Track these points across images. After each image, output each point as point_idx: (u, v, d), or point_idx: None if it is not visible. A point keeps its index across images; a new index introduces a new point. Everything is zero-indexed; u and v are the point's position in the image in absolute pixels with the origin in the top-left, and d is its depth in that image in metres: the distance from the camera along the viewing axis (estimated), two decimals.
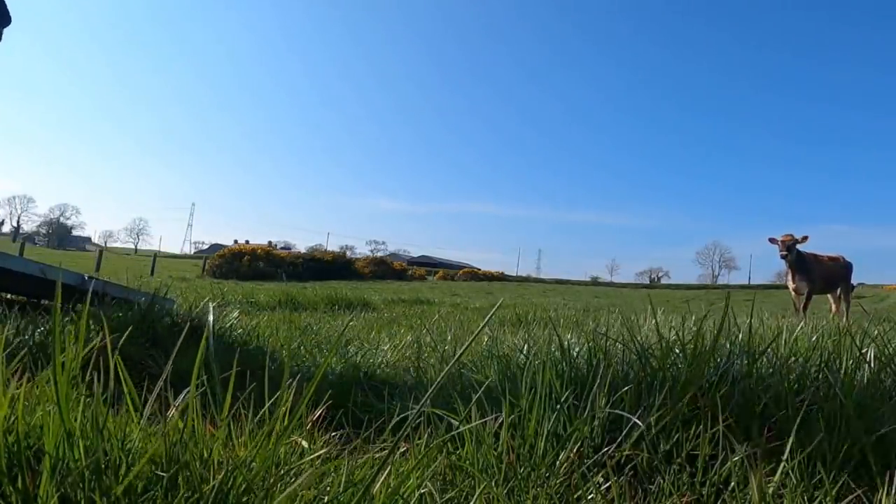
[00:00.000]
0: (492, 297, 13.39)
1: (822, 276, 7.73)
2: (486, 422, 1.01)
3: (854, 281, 8.72)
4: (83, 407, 0.72)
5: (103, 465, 0.69)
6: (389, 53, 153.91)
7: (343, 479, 0.78)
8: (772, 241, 7.46)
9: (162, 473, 0.70)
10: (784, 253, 7.41)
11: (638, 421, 0.99)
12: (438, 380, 0.69)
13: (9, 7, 2.04)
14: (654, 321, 1.61)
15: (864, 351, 1.31)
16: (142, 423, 0.77)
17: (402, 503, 0.79)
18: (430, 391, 0.69)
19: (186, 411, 0.75)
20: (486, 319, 0.72)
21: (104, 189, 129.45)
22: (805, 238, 7.44)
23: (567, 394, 1.09)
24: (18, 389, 0.75)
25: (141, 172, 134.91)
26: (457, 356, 0.74)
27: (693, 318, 2.21)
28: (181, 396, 0.80)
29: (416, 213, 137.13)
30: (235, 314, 2.68)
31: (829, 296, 8.41)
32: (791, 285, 7.63)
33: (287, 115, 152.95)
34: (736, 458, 0.91)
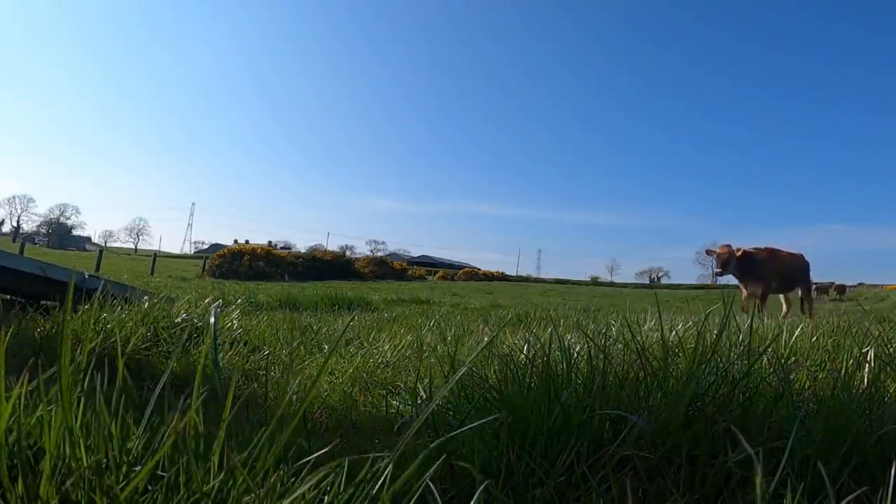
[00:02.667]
0: (492, 297, 13.39)
1: (779, 272, 6.96)
2: (485, 421, 1.01)
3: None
4: (84, 407, 0.72)
5: (104, 465, 0.69)
6: (391, 54, 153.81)
7: (343, 479, 0.78)
8: (709, 253, 6.92)
9: (163, 473, 0.71)
10: (718, 270, 6.74)
11: (638, 420, 0.99)
12: (443, 390, 0.69)
13: None
14: (654, 321, 1.61)
15: (864, 350, 1.31)
16: (143, 423, 0.77)
17: (403, 503, 0.79)
18: (435, 399, 0.69)
19: (188, 411, 0.75)
20: (498, 328, 0.72)
21: (104, 189, 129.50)
22: (739, 250, 6.77)
23: (567, 393, 1.09)
24: (20, 389, 0.75)
25: (141, 172, 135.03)
26: (466, 365, 0.74)
27: (693, 318, 2.21)
28: (183, 397, 0.80)
29: (417, 213, 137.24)
30: (236, 314, 2.68)
31: (780, 297, 7.52)
32: (744, 292, 6.94)
33: (288, 114, 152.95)
34: (736, 458, 0.91)
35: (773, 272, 6.89)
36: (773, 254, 7.08)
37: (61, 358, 0.66)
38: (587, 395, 1.08)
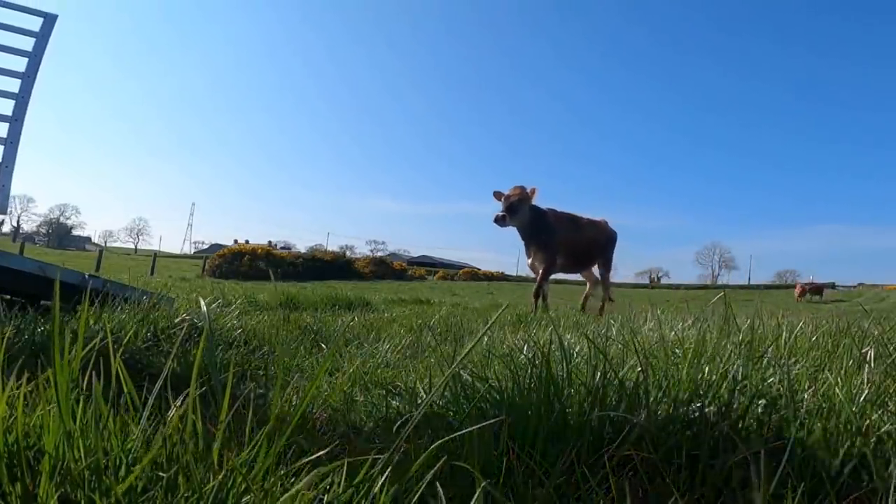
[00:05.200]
0: (492, 297, 13.38)
1: (572, 242, 5.47)
2: (486, 423, 1.01)
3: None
4: (83, 406, 0.71)
5: (103, 465, 0.69)
6: (391, 54, 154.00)
7: (343, 480, 0.77)
8: (496, 195, 5.29)
9: (162, 474, 0.70)
10: (501, 215, 4.98)
11: (638, 421, 0.99)
12: (439, 385, 0.69)
13: None
14: (654, 321, 1.62)
15: (864, 351, 1.31)
16: (142, 423, 0.77)
17: (403, 503, 0.79)
18: (431, 394, 0.69)
19: (187, 411, 0.75)
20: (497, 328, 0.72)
21: (104, 189, 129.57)
22: (534, 191, 5.19)
23: (567, 393, 1.09)
24: (19, 389, 0.75)
25: (141, 172, 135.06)
26: (457, 363, 0.74)
27: (692, 318, 2.21)
28: (181, 397, 0.80)
29: (416, 213, 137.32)
30: (236, 314, 2.68)
31: (582, 275, 6.12)
32: (528, 260, 5.50)
33: (288, 115, 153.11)
34: (736, 459, 0.91)
35: (565, 241, 5.36)
36: (573, 219, 5.69)
37: (55, 358, 0.66)
38: (587, 396, 1.08)
